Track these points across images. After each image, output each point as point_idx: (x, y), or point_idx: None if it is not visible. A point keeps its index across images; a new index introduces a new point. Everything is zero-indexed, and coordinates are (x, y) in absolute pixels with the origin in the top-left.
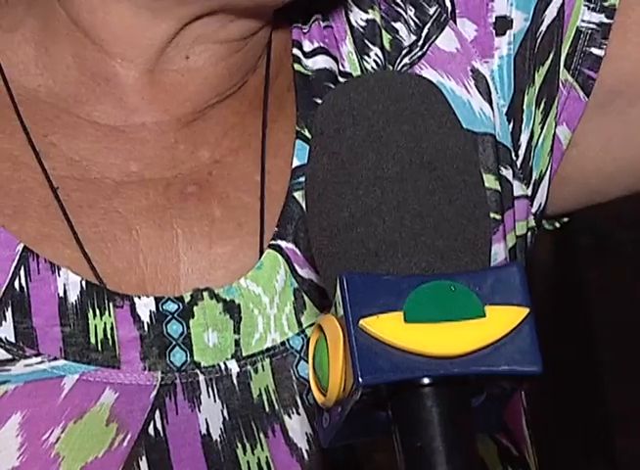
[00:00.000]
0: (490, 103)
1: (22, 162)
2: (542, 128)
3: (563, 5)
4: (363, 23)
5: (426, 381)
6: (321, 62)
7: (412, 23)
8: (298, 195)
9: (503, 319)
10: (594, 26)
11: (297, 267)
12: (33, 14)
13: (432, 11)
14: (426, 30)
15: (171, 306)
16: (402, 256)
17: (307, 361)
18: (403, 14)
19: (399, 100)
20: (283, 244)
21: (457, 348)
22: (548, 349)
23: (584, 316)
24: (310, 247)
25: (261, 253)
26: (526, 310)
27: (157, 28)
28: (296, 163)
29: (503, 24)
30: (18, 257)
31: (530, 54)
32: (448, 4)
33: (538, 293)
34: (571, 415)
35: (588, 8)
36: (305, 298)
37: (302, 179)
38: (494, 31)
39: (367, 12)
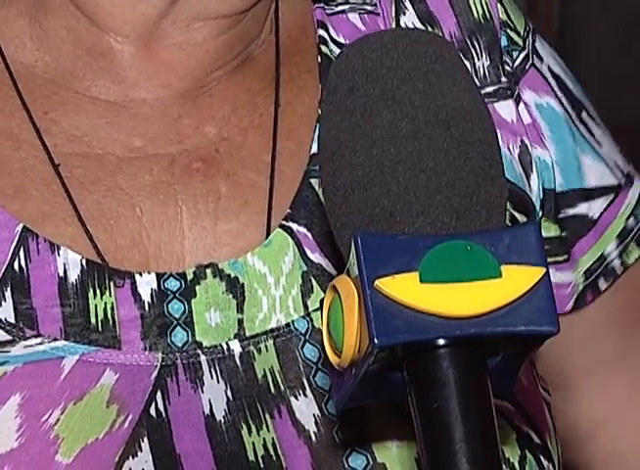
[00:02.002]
0: (528, 178)
1: (23, 140)
2: None
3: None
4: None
5: (441, 342)
6: None
7: (481, 71)
8: (315, 182)
9: (519, 279)
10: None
11: (307, 251)
12: None
13: (503, 79)
14: (490, 89)
15: (173, 284)
16: (417, 215)
17: (313, 344)
18: (475, 57)
19: (413, 58)
20: (294, 227)
21: (473, 308)
22: None
23: None
24: (322, 228)
25: (268, 231)
26: (543, 270)
27: (147, 4)
28: (315, 149)
29: None
30: (17, 237)
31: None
32: (515, 87)
33: None
34: None
35: (617, 246)
36: (314, 281)
37: None
38: None
39: (425, 26)
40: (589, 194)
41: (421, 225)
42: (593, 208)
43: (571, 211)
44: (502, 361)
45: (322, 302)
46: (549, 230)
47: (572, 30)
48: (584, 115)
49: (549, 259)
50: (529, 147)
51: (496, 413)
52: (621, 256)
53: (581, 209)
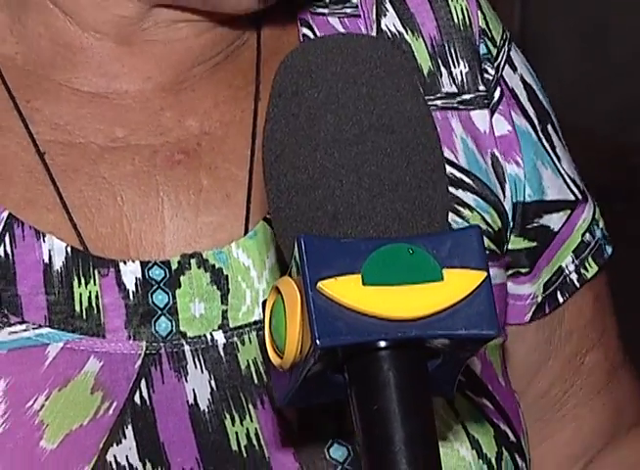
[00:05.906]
0: (502, 188)
1: (5, 127)
2: None
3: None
4: (394, 31)
5: (382, 344)
6: None
7: (459, 78)
8: None
9: (461, 283)
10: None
11: None
12: None
13: (481, 88)
14: (467, 96)
15: (157, 273)
16: (360, 218)
17: None
18: (453, 63)
19: (358, 62)
20: None
21: (414, 311)
22: None
23: None
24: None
25: (247, 225)
26: (484, 274)
27: (124, 7)
28: None
29: None
30: (2, 223)
31: None
32: (496, 95)
33: None
34: None
35: (572, 261)
36: None
37: None
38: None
39: (406, 28)
40: (549, 207)
41: (364, 228)
42: (554, 220)
43: (537, 223)
44: (442, 364)
45: (264, 303)
46: (517, 243)
47: (533, 33)
48: (549, 127)
49: (514, 272)
50: (500, 159)
51: (476, 410)
52: (579, 270)
53: (545, 220)
